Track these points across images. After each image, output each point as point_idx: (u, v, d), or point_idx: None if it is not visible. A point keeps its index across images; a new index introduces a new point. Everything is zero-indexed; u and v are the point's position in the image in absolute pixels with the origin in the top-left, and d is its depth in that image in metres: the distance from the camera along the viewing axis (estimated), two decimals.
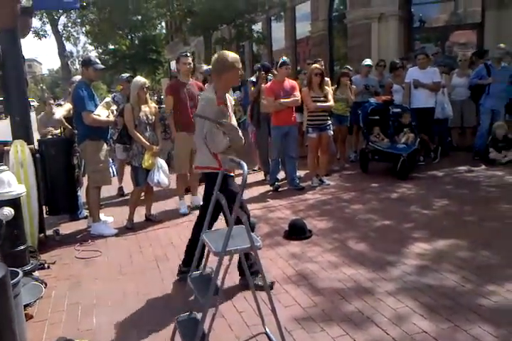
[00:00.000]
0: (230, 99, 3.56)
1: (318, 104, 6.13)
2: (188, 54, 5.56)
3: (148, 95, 5.18)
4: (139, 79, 5.12)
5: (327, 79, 6.54)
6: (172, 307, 3.17)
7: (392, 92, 7.75)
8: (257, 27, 19.15)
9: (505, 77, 7.25)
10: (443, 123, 7.69)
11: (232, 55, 3.31)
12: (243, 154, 3.58)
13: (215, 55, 3.41)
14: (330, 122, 6.39)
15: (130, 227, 5.07)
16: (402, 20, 12.30)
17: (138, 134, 4.93)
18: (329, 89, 6.38)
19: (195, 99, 5.36)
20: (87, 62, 4.84)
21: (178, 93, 5.33)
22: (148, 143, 4.96)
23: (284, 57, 6.58)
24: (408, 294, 3.16)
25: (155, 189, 5.38)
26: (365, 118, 7.09)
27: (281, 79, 6.15)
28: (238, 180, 2.88)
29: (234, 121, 3.48)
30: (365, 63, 7.99)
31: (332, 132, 6.47)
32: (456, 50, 11.09)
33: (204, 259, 2.98)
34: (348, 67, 8.41)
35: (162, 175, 5.04)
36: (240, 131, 3.38)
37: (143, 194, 5.37)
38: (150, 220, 5.28)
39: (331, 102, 6.28)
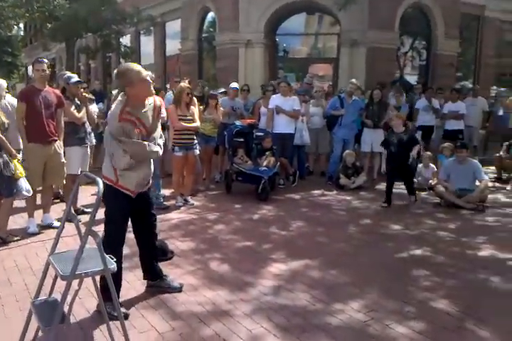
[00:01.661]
0: (157, 104, 3.31)
1: (185, 124, 6.12)
2: (45, 60, 5.16)
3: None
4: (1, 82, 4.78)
5: (194, 98, 6.57)
6: (14, 337, 2.84)
7: (259, 114, 8.10)
8: (125, 40, 18.69)
9: (355, 109, 7.99)
10: (301, 149, 8.21)
11: (136, 68, 3.15)
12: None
13: (117, 69, 3.24)
14: (196, 141, 6.41)
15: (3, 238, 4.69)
16: (268, 48, 12.99)
17: (5, 141, 4.53)
18: (195, 109, 6.41)
19: (51, 108, 5.01)
20: None
21: (32, 100, 4.90)
22: (14, 151, 4.60)
23: (148, 72, 6.48)
24: (264, 314, 3.25)
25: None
26: (231, 140, 7.25)
27: None
28: None
29: (157, 133, 3.31)
30: (232, 86, 8.23)
31: (198, 151, 6.50)
32: (315, 82, 11.96)
33: (51, 284, 2.76)
34: (224, 89, 8.59)
35: (27, 184, 4.75)
36: (151, 145, 3.20)
37: None
38: None
39: (198, 123, 6.30)
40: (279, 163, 7.17)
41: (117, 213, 3.27)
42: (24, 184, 4.75)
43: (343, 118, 7.91)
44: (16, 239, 4.78)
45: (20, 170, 4.66)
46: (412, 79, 13.95)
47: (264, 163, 7.03)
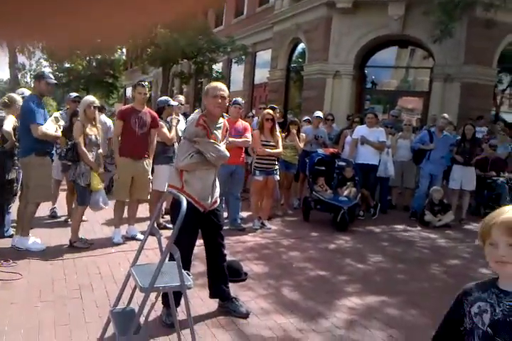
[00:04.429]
0: (226, 125, 3.63)
1: (267, 149, 6.19)
2: (146, 83, 5.52)
3: (97, 115, 5.09)
4: (88, 97, 5.12)
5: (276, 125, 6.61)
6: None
7: (344, 144, 8.02)
8: (218, 66, 19.52)
9: (445, 144, 7.70)
10: (384, 181, 7.97)
11: (214, 84, 3.49)
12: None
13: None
14: (277, 167, 6.45)
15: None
16: (355, 80, 12.96)
17: (87, 153, 4.80)
18: (279, 136, 6.47)
19: (145, 127, 5.30)
20: (40, 76, 4.71)
21: (129, 119, 5.24)
22: (95, 164, 4.85)
23: (238, 98, 6.65)
24: None
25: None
26: (312, 168, 7.20)
27: (233, 119, 6.16)
28: None
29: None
30: (316, 115, 8.22)
31: (278, 177, 6.53)
32: (403, 114, 11.70)
33: (130, 294, 2.84)
34: (307, 117, 8.65)
35: (105, 196, 5.00)
36: (223, 147, 3.44)
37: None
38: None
39: (280, 149, 6.36)
40: (360, 194, 6.99)
41: (185, 224, 3.33)
42: (102, 196, 4.98)
43: (431, 153, 7.65)
44: (85, 246, 4.94)
45: (97, 183, 4.88)
46: (509, 117, 13.19)
47: (345, 193, 6.89)
